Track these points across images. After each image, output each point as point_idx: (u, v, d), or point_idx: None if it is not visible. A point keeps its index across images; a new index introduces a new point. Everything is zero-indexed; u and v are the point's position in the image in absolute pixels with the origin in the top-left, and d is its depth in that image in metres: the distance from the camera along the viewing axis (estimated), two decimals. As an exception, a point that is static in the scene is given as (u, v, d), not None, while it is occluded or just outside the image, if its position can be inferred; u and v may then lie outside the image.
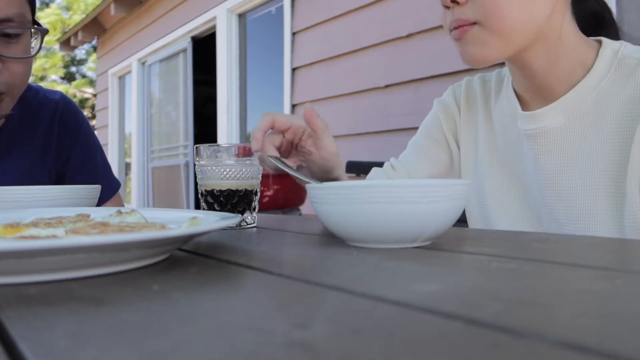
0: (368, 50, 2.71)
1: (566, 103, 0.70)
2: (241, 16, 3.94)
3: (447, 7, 0.68)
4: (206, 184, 0.69)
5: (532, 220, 0.76)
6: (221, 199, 0.67)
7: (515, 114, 0.76)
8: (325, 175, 0.74)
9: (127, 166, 6.17)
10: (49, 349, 0.21)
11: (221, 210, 0.67)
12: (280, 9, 3.41)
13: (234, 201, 0.68)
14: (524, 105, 0.76)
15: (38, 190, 0.69)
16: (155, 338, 0.22)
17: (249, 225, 0.70)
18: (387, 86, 2.59)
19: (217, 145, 0.68)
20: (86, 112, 13.42)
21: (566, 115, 0.70)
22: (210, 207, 0.68)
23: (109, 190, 1.05)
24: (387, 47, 2.60)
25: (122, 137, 6.13)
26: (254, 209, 0.70)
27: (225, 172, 0.68)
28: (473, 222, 0.85)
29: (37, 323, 0.24)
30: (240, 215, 0.68)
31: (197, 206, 4.94)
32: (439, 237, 0.51)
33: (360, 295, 0.29)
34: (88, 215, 0.52)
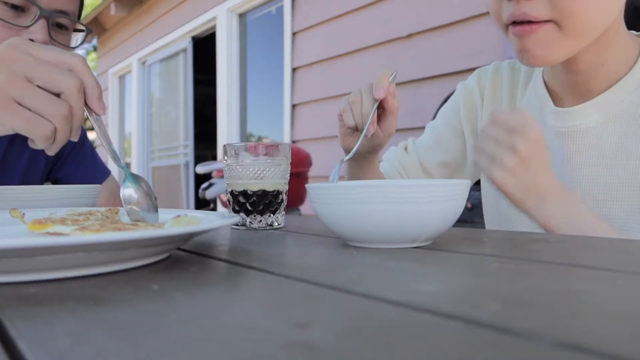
0: (368, 50, 2.71)
1: (605, 101, 0.65)
2: (241, 16, 3.94)
3: None
4: (237, 184, 0.66)
5: None
6: (254, 199, 0.65)
7: (545, 108, 0.71)
8: (371, 154, 0.78)
9: (127, 166, 6.14)
10: (49, 349, 0.21)
11: (254, 210, 0.66)
12: (280, 9, 3.41)
13: (267, 201, 0.66)
14: (556, 100, 0.71)
15: (39, 190, 0.69)
16: (155, 338, 0.22)
17: (279, 226, 0.68)
18: (387, 86, 2.58)
19: (247, 144, 0.66)
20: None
21: (604, 113, 0.66)
22: (242, 208, 0.66)
23: (102, 173, 1.11)
24: (387, 47, 2.60)
25: (122, 137, 6.13)
26: (284, 210, 0.69)
27: (258, 172, 0.65)
28: (490, 221, 0.81)
29: (37, 323, 0.24)
30: (238, 215, 0.67)
31: (197, 206, 4.91)
32: (439, 237, 0.51)
33: (360, 295, 0.29)
34: (117, 211, 0.54)
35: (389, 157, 0.92)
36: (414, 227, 0.45)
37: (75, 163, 1.08)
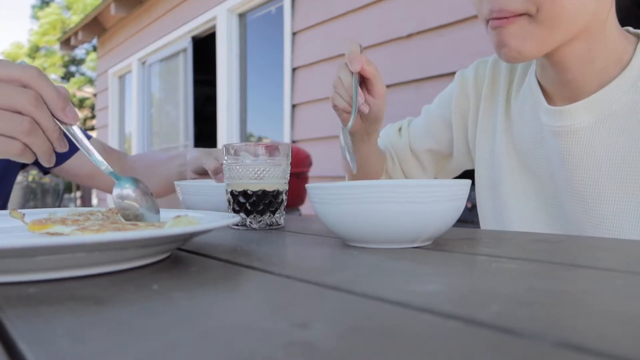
0: (368, 50, 2.71)
1: (599, 101, 0.65)
2: (241, 16, 3.94)
3: None
4: (237, 184, 0.66)
5: (549, 220, 0.72)
6: (254, 199, 0.65)
7: (539, 107, 0.70)
8: (373, 127, 0.79)
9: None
10: (49, 348, 0.21)
11: (253, 210, 0.66)
12: (280, 9, 3.41)
13: (267, 201, 0.66)
14: (548, 99, 0.70)
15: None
16: (155, 338, 0.22)
17: (279, 226, 0.68)
18: (387, 86, 2.58)
19: (246, 144, 0.66)
20: (86, 112, 13.42)
21: (597, 114, 0.65)
22: (242, 208, 0.66)
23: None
24: (387, 47, 2.60)
25: (122, 137, 6.13)
26: (284, 210, 0.69)
27: (258, 172, 0.65)
28: (485, 214, 0.81)
29: (37, 323, 0.24)
30: (238, 215, 0.67)
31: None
32: (439, 237, 0.51)
33: (360, 295, 0.29)
34: (117, 211, 0.54)
35: (383, 134, 0.93)
36: (414, 227, 0.45)
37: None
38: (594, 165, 0.65)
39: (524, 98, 0.75)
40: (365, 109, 0.74)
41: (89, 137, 1.10)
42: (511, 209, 0.75)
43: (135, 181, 0.52)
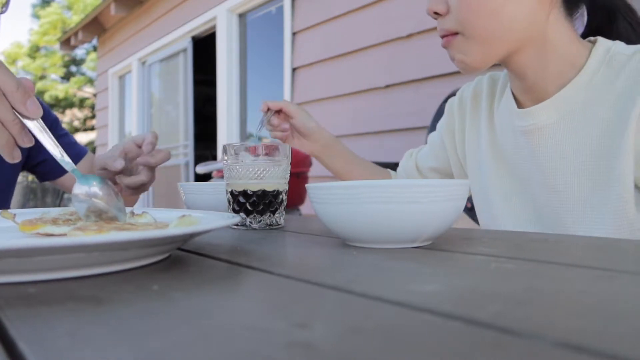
0: (368, 50, 2.71)
1: (558, 100, 0.72)
2: (241, 16, 3.94)
3: (435, 18, 0.73)
4: (237, 184, 0.66)
5: (534, 218, 0.77)
6: (254, 199, 0.65)
7: (512, 112, 0.79)
8: (316, 140, 0.96)
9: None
10: (49, 348, 0.21)
11: (253, 210, 0.66)
12: (280, 9, 3.41)
13: (267, 201, 0.66)
14: (520, 104, 0.79)
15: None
16: (155, 338, 0.22)
17: (279, 226, 0.68)
18: (387, 86, 2.59)
19: (246, 144, 0.66)
20: (86, 112, 13.41)
21: (558, 111, 0.72)
22: (242, 208, 0.66)
23: (79, 153, 1.09)
24: (387, 47, 2.60)
25: (122, 137, 6.13)
26: (284, 210, 0.69)
27: (258, 172, 0.65)
28: (482, 219, 0.86)
29: (37, 323, 0.24)
30: (238, 215, 0.67)
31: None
32: (439, 237, 0.51)
33: (360, 295, 0.29)
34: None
35: (401, 163, 1.06)
36: (414, 227, 0.45)
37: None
38: (560, 158, 0.72)
39: (504, 107, 0.83)
40: (277, 133, 0.95)
41: (85, 151, 1.11)
42: (501, 212, 0.81)
43: (101, 180, 0.50)
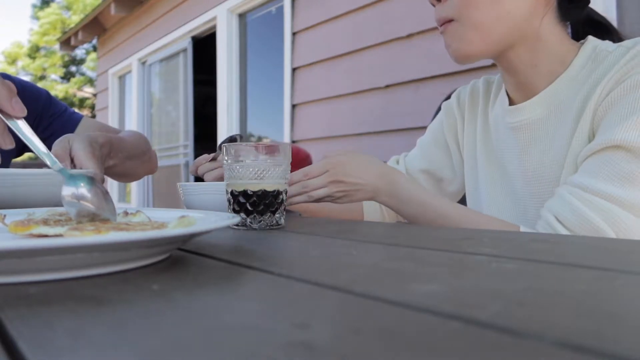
0: (368, 50, 2.71)
1: (546, 96, 0.74)
2: (241, 16, 3.94)
3: (434, 5, 0.77)
4: (237, 184, 0.66)
5: (519, 211, 0.79)
6: (254, 199, 0.65)
7: (504, 109, 0.81)
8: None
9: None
10: (49, 348, 0.21)
11: (254, 210, 0.66)
12: (280, 9, 3.41)
13: (267, 201, 0.66)
14: (511, 100, 0.81)
15: (30, 174, 0.66)
16: (155, 338, 0.22)
17: (279, 226, 0.68)
18: (387, 86, 2.58)
19: (245, 144, 0.66)
20: (86, 112, 13.41)
21: (546, 107, 0.75)
22: (242, 208, 0.66)
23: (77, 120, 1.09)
24: (387, 47, 2.60)
25: (122, 137, 6.13)
26: (284, 210, 0.69)
27: (258, 172, 0.65)
28: None
29: (37, 323, 0.24)
30: (239, 216, 0.67)
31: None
32: (438, 237, 0.51)
33: (360, 295, 0.29)
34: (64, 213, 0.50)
35: None
36: None
37: (51, 130, 1.04)
38: (551, 153, 0.74)
39: (497, 105, 0.86)
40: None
41: (80, 116, 1.10)
42: (491, 212, 0.83)
43: (88, 180, 0.47)
